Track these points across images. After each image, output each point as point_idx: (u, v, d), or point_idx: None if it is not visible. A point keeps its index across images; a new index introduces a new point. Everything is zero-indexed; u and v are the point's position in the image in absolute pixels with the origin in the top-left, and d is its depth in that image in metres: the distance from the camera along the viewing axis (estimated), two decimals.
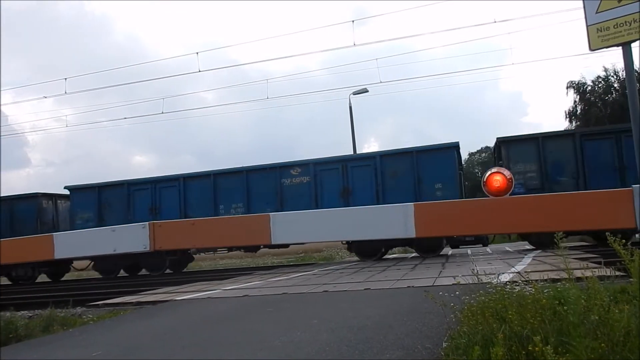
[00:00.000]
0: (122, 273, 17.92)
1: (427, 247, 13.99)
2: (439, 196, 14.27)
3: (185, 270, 18.19)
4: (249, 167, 16.78)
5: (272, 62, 70.72)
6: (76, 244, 15.65)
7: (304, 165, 16.32)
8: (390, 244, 14.97)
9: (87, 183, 18.35)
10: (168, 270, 16.91)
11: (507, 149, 15.00)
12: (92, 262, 17.47)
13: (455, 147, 15.16)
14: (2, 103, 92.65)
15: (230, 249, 17.62)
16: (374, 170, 15.44)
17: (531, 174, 14.54)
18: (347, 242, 15.53)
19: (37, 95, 54.06)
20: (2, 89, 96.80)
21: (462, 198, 14.62)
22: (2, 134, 40.71)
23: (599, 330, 2.64)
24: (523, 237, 15.69)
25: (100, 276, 17.89)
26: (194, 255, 19.32)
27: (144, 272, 17.32)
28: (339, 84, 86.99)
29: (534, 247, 13.71)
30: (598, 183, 13.45)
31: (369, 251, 14.58)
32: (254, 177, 16.47)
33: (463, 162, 15.68)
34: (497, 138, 15.56)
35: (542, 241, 13.12)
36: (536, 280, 3.62)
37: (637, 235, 12.79)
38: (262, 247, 16.35)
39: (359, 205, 14.54)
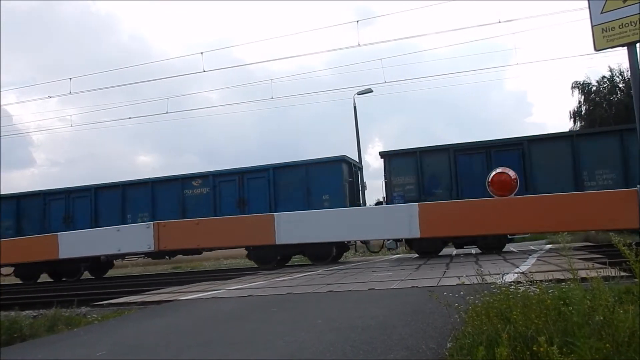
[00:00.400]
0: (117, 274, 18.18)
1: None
2: (326, 206, 15.34)
3: (188, 270, 18.24)
4: (154, 178, 17.94)
5: (276, 62, 70.80)
6: (81, 244, 15.66)
7: (204, 177, 17.51)
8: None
9: (7, 193, 19.20)
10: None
11: (389, 162, 15.98)
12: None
13: (342, 160, 16.38)
14: (5, 102, 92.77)
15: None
16: (268, 182, 16.66)
17: (410, 186, 15.58)
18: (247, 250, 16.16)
19: (42, 95, 54.20)
20: (7, 89, 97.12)
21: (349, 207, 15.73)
22: (7, 134, 40.81)
23: (604, 331, 2.64)
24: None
25: (105, 276, 18.07)
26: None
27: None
28: (343, 84, 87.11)
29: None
30: (470, 195, 14.27)
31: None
32: (159, 188, 17.67)
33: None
34: (380, 152, 16.45)
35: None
36: (541, 281, 3.62)
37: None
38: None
39: None
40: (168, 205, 17.32)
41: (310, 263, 15.65)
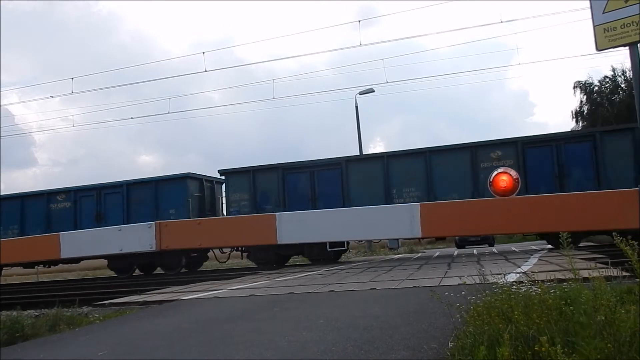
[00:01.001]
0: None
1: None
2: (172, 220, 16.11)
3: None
4: (24, 193, 18.85)
5: (278, 61, 70.74)
6: (83, 244, 15.68)
7: (67, 192, 18.44)
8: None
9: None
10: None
11: (227, 179, 17.20)
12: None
13: (186, 177, 17.47)
14: (7, 102, 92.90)
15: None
16: (122, 197, 17.74)
17: (244, 202, 16.57)
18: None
19: (44, 94, 54.28)
20: (9, 88, 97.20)
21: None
22: (9, 134, 40.92)
23: (605, 331, 2.64)
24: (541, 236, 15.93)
25: (107, 275, 18.08)
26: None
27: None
28: (345, 83, 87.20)
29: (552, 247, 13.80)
30: (297, 209, 15.23)
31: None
32: (28, 203, 18.49)
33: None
34: (219, 170, 17.42)
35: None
36: (542, 281, 3.61)
37: None
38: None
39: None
40: (35, 219, 18.31)
41: (310, 263, 15.67)
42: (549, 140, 14.72)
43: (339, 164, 15.98)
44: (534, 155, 14.64)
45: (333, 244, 15.19)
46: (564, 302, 3.02)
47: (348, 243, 16.93)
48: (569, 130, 14.80)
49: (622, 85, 32.94)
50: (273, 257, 15.53)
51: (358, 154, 17.93)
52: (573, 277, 3.33)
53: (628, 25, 7.94)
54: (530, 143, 14.73)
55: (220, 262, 18.53)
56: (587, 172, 14.13)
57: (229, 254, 17.56)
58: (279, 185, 16.29)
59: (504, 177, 13.24)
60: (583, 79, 34.81)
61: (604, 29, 8.16)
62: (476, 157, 14.90)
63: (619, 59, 34.63)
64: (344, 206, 15.29)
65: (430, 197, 14.71)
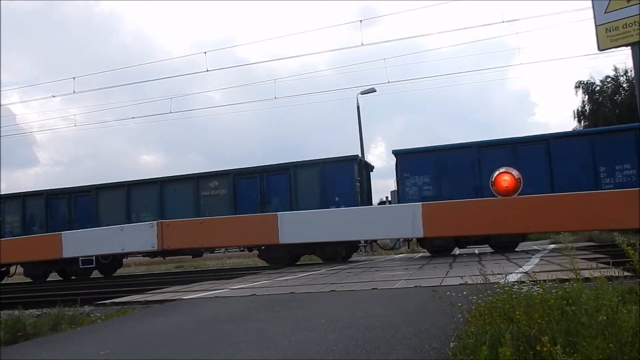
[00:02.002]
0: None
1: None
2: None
3: (191, 269, 18.23)
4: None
5: (279, 61, 70.66)
6: (84, 243, 15.71)
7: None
8: None
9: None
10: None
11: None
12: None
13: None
14: (9, 102, 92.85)
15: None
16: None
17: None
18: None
19: (45, 94, 54.35)
20: (10, 88, 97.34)
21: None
22: (10, 134, 40.96)
23: (607, 331, 2.64)
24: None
25: (105, 275, 18.12)
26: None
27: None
28: (346, 83, 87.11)
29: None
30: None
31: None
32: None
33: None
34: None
35: None
36: (544, 281, 3.61)
37: None
38: None
39: None
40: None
41: (317, 263, 15.66)
42: (257, 172, 16.75)
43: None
44: (243, 184, 16.70)
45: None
46: (565, 302, 3.01)
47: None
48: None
49: (624, 85, 32.88)
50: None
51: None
52: (574, 277, 3.33)
53: (630, 25, 7.93)
54: (240, 174, 16.78)
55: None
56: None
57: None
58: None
59: (506, 177, 13.25)
60: (584, 78, 34.75)
61: (606, 29, 8.14)
62: (198, 186, 16.96)
63: (621, 58, 34.50)
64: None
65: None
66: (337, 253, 15.32)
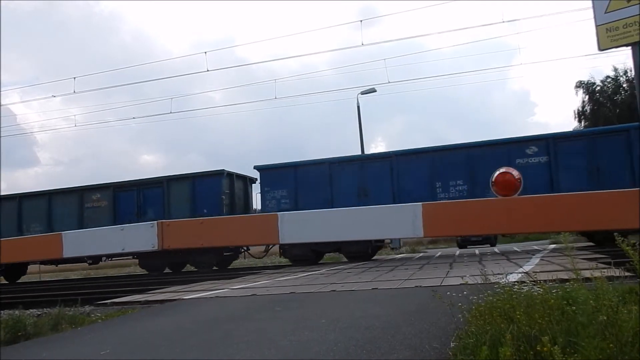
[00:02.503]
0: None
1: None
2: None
3: (191, 269, 18.22)
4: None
5: (279, 61, 70.68)
6: (85, 243, 15.70)
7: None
8: None
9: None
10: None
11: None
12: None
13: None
14: (9, 102, 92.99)
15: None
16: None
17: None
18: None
19: (46, 94, 54.38)
20: (11, 88, 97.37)
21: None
22: (11, 134, 41.01)
23: (607, 331, 2.64)
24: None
25: (109, 275, 18.11)
26: None
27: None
28: (347, 83, 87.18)
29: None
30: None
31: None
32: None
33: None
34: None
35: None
36: (544, 281, 3.61)
37: None
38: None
39: None
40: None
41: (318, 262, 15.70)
42: (135, 185, 18.30)
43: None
44: (123, 197, 18.24)
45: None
46: (565, 302, 3.02)
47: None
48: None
49: (624, 85, 32.91)
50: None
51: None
52: (575, 277, 3.33)
53: (630, 25, 7.94)
54: (120, 187, 18.35)
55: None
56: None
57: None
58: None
59: (507, 177, 13.23)
60: (585, 78, 34.79)
61: (606, 29, 8.15)
62: (82, 198, 18.50)
63: (621, 59, 34.57)
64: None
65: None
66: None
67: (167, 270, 17.94)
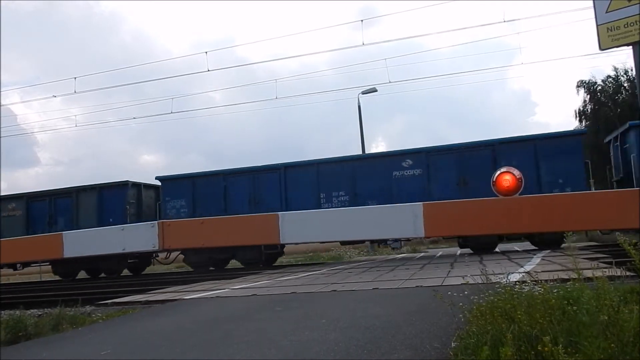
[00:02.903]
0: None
1: None
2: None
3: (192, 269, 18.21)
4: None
5: (279, 61, 70.65)
6: (86, 243, 15.72)
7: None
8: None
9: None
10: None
11: None
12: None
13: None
14: (9, 102, 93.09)
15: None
16: None
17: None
18: None
19: (46, 94, 54.39)
20: (11, 88, 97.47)
21: None
22: (11, 134, 41.06)
23: (609, 331, 2.63)
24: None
25: (105, 275, 18.14)
26: None
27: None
28: (347, 83, 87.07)
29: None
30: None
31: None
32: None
33: None
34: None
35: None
36: (545, 280, 3.61)
37: None
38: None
39: None
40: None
41: (318, 262, 15.71)
42: (47, 195, 18.64)
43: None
44: (36, 207, 18.62)
45: None
46: (566, 302, 3.01)
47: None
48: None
49: (625, 85, 32.85)
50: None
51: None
52: (576, 276, 3.33)
53: (631, 24, 7.92)
54: (33, 197, 18.67)
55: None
56: None
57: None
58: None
59: (507, 177, 13.24)
60: (585, 78, 34.72)
61: (607, 28, 8.14)
62: None
63: (621, 58, 34.59)
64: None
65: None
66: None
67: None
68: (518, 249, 15.87)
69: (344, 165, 15.76)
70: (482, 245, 14.08)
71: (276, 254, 17.44)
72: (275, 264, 17.34)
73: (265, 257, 16.48)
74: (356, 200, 15.08)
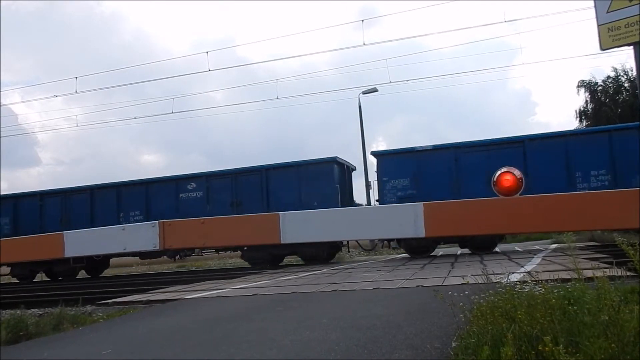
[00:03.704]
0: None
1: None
2: None
3: (193, 269, 18.26)
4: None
5: (280, 61, 70.69)
6: (87, 243, 15.70)
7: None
8: None
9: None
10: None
11: None
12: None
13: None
14: (10, 102, 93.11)
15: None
16: None
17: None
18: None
19: (47, 94, 54.41)
20: (12, 88, 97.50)
21: None
22: (12, 133, 41.03)
23: (609, 331, 2.64)
24: None
25: (111, 274, 18.14)
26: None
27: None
28: (348, 83, 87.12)
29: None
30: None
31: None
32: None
33: None
34: None
35: None
36: (546, 280, 3.61)
37: None
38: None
39: None
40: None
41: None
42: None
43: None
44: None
45: None
46: (567, 302, 3.01)
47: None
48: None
49: (625, 85, 32.87)
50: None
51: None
52: (577, 276, 3.33)
53: (632, 24, 7.91)
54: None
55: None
56: None
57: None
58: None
59: (508, 177, 13.24)
60: (586, 78, 34.74)
61: (608, 28, 8.13)
62: None
63: (621, 59, 34.55)
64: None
65: None
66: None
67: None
68: (519, 249, 15.88)
69: (141, 188, 18.45)
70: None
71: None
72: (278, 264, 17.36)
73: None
74: (150, 216, 17.08)
